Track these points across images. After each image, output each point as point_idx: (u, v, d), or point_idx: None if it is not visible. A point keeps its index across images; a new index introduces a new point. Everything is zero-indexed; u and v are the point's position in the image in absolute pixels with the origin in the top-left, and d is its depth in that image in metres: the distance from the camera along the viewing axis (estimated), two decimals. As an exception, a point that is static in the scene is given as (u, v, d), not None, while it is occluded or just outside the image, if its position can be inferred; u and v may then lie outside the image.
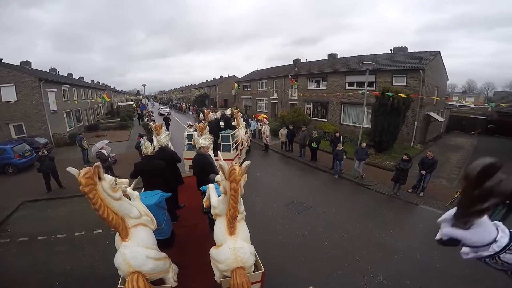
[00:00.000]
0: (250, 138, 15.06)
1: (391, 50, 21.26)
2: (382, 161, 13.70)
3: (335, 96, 20.19)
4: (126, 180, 3.36)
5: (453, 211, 0.87)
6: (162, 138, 6.14)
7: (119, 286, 3.11)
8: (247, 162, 3.04)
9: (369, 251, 6.27)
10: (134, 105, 42.98)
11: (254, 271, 3.23)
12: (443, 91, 23.05)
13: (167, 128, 26.02)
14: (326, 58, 26.67)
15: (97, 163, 2.85)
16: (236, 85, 34.47)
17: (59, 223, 7.82)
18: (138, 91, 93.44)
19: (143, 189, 5.05)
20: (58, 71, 30.21)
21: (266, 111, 30.43)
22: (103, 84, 54.65)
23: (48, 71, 27.79)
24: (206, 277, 3.41)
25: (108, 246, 6.53)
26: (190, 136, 10.50)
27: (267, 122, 14.88)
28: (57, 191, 10.04)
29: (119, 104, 47.51)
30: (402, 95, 11.53)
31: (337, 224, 7.58)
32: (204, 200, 3.94)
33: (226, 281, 3.03)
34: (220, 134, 10.92)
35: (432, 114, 19.21)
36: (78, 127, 24.92)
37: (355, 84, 19.80)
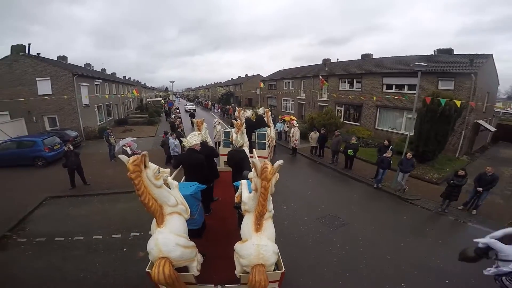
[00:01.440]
0: (274, 140, 14.22)
1: (434, 51, 19.32)
2: (425, 173, 12.24)
3: (370, 98, 18.67)
4: (168, 170, 3.46)
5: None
6: (203, 133, 6.41)
7: (146, 269, 3.21)
8: (280, 162, 2.95)
9: (416, 276, 5.53)
10: (162, 101, 43.79)
11: (274, 270, 3.22)
12: (493, 98, 20.65)
13: (192, 125, 26.17)
14: (359, 58, 25.16)
15: (144, 152, 2.98)
16: (262, 84, 33.76)
17: (78, 224, 7.59)
18: (166, 87, 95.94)
19: (182, 180, 5.26)
20: (92, 66, 31.40)
21: (292, 111, 29.38)
22: (134, 80, 56.49)
23: (83, 66, 28.93)
24: (227, 270, 3.47)
25: (125, 254, 6.21)
26: (227, 133, 10.29)
27: (297, 125, 13.80)
28: (80, 188, 9.94)
29: (148, 100, 48.80)
30: (457, 102, 10.02)
31: (378, 243, 6.71)
32: (236, 195, 4.02)
33: (245, 276, 3.05)
34: (256, 132, 10.59)
35: (481, 122, 17.10)
36: (109, 121, 25.57)
37: (393, 86, 18.19)
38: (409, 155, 9.63)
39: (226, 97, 52.49)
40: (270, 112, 14.17)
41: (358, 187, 10.68)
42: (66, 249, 6.39)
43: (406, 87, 17.49)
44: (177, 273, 3.02)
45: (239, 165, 5.30)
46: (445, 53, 18.38)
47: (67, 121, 18.03)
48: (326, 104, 23.59)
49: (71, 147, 9.32)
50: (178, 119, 17.09)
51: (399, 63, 19.15)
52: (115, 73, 40.84)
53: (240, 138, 6.02)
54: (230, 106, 34.76)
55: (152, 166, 3.07)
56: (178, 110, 29.00)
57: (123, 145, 10.12)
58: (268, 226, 3.20)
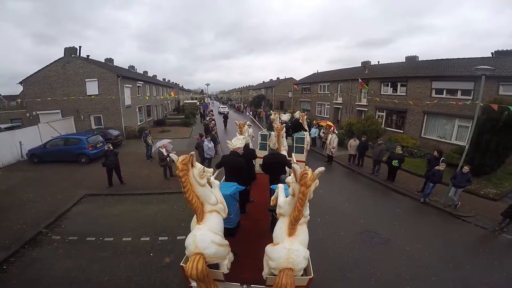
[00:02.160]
0: (309, 145, 13.56)
1: (492, 53, 17.12)
2: (480, 187, 10.72)
3: (419, 103, 17.04)
4: (211, 170, 3.70)
5: None
6: (246, 136, 6.70)
7: (181, 263, 3.34)
8: (321, 169, 2.93)
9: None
10: (198, 103, 45.10)
11: (302, 275, 3.17)
12: None
13: (225, 126, 26.83)
14: (403, 60, 23.43)
15: (192, 152, 3.19)
16: (296, 87, 33.04)
17: (110, 224, 7.71)
18: (202, 90, 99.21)
19: (223, 179, 5.49)
20: (136, 69, 33.25)
21: (327, 116, 28.17)
22: (173, 82, 59.12)
23: (127, 68, 30.81)
24: (255, 271, 3.49)
25: (151, 259, 6.09)
26: (264, 136, 10.08)
27: (336, 132, 12.92)
28: (117, 187, 10.26)
29: (185, 101, 50.65)
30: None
31: (424, 263, 6.01)
32: (271, 198, 3.99)
33: (271, 278, 3.07)
34: (294, 136, 10.30)
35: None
36: (148, 121, 26.80)
37: (444, 91, 16.39)
38: (466, 168, 8.45)
39: (258, 100, 52.53)
40: (305, 116, 13.73)
41: (402, 201, 9.67)
42: (95, 249, 6.43)
43: (459, 92, 15.68)
44: (209, 269, 3.09)
45: (276, 168, 5.34)
46: (504, 55, 16.20)
47: (110, 120, 19.14)
48: (366, 109, 22.16)
49: (111, 147, 9.65)
50: (212, 122, 17.18)
51: (450, 66, 17.33)
52: (155, 76, 43.01)
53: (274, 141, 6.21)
54: (261, 109, 34.56)
55: (198, 166, 3.26)
56: (212, 113, 29.45)
57: (159, 147, 10.24)
58: (302, 231, 3.17)
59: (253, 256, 3.88)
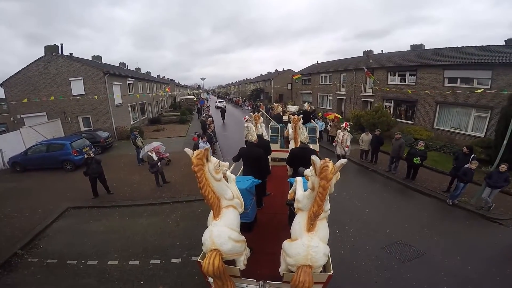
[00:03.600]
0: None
1: (505, 41, 15.85)
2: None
3: (432, 92, 15.82)
4: (227, 164, 3.56)
5: None
6: (259, 127, 6.56)
7: (198, 259, 3.29)
8: (343, 161, 2.74)
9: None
10: (195, 99, 43.71)
11: (321, 272, 3.04)
12: None
13: (223, 120, 26.43)
14: (406, 50, 22.19)
15: (207, 146, 4.20)
16: (299, 75, 31.75)
17: (94, 243, 6.75)
18: (199, 85, 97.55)
19: (239, 173, 5.49)
20: (127, 66, 31.76)
21: (331, 108, 26.93)
22: (168, 78, 57.56)
23: (117, 65, 29.34)
24: (272, 266, 3.37)
25: None
26: (274, 129, 9.43)
27: (348, 128, 11.26)
28: (103, 197, 9.15)
29: (181, 98, 49.26)
30: None
31: (467, 279, 5.17)
32: (289, 192, 3.89)
33: (288, 275, 2.97)
34: (306, 126, 9.44)
35: None
36: (142, 119, 25.55)
37: (458, 80, 15.14)
38: (503, 167, 7.36)
39: (256, 94, 51.12)
40: (311, 107, 12.69)
41: (427, 203, 8.55)
42: (77, 275, 5.59)
43: (475, 81, 14.47)
44: (225, 265, 3.01)
45: (304, 163, 4.81)
46: None
47: (100, 121, 17.87)
48: (372, 100, 20.92)
49: (92, 155, 8.42)
50: (209, 118, 15.91)
51: (462, 54, 16.06)
52: (149, 72, 41.53)
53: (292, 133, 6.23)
54: (261, 103, 33.28)
55: (214, 160, 3.17)
56: (209, 108, 28.17)
57: (148, 151, 9.06)
58: (322, 226, 3.01)
59: (270, 252, 3.71)
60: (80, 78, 17.15)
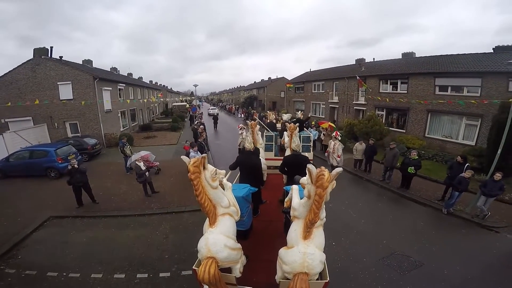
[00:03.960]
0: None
1: (493, 49, 16.29)
2: (505, 192, 9.65)
3: (418, 102, 16.06)
4: (224, 172, 3.54)
5: None
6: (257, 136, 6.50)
7: (193, 267, 3.27)
8: (339, 169, 2.77)
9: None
10: (188, 105, 43.38)
11: (317, 280, 3.03)
12: None
13: (215, 127, 26.53)
14: (396, 58, 22.64)
15: (203, 154, 3.25)
16: (290, 84, 31.95)
17: (77, 255, 6.38)
18: (192, 92, 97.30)
19: (235, 180, 5.49)
20: (118, 71, 31.29)
21: (323, 116, 27.02)
22: (160, 84, 57.10)
23: (109, 70, 28.87)
24: (268, 274, 3.39)
25: None
26: (269, 137, 9.46)
27: (340, 138, 11.13)
28: (88, 206, 8.71)
29: (173, 104, 48.80)
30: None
31: None
32: (285, 200, 3.88)
33: (284, 283, 2.97)
34: (300, 135, 9.47)
35: None
36: (133, 126, 25.02)
37: (449, 88, 15.39)
38: (498, 175, 7.45)
39: (249, 101, 51.12)
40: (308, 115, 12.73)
41: (422, 211, 8.53)
42: None
43: (465, 89, 14.74)
44: (221, 273, 2.99)
45: (297, 169, 4.91)
46: (505, 50, 15.40)
47: (88, 127, 17.31)
48: (364, 108, 21.06)
49: (76, 165, 7.93)
50: (201, 126, 15.60)
51: (452, 62, 16.38)
52: (141, 78, 41.07)
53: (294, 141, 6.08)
54: (255, 111, 33.22)
55: (210, 168, 3.17)
56: (201, 115, 27.81)
57: (136, 160, 8.69)
58: (318, 234, 3.03)
59: (266, 259, 3.75)
60: (68, 82, 16.64)
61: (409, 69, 18.03)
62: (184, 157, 3.10)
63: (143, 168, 8.51)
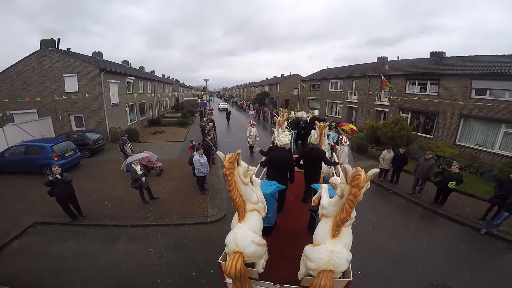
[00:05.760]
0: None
1: None
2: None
3: (451, 105, 14.41)
4: (254, 168, 3.60)
5: None
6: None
7: (219, 260, 3.31)
8: (376, 170, 2.66)
9: None
10: (199, 100, 42.66)
11: (340, 278, 3.00)
12: None
13: (228, 122, 26.24)
14: (427, 57, 20.59)
15: (238, 151, 3.15)
16: (303, 83, 30.57)
17: (56, 270, 5.57)
18: (204, 87, 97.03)
19: (261, 176, 5.44)
20: (130, 64, 30.70)
21: (340, 116, 25.47)
22: (173, 79, 56.62)
23: (120, 63, 28.29)
24: (289, 270, 3.43)
25: None
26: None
27: (347, 142, 9.57)
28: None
29: (185, 99, 48.14)
30: None
31: None
32: (313, 198, 3.98)
33: (307, 279, 2.99)
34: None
35: None
36: (141, 120, 24.35)
37: (487, 92, 13.64)
38: None
39: (261, 98, 49.79)
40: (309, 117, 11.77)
41: (461, 233, 7.32)
42: None
43: (507, 94, 12.97)
44: (246, 268, 3.01)
45: (314, 163, 5.28)
46: None
47: (93, 121, 16.61)
48: (386, 110, 19.42)
49: (59, 176, 6.71)
50: (209, 124, 14.49)
51: (491, 63, 14.49)
52: (153, 71, 40.50)
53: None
54: (266, 108, 31.92)
55: (243, 164, 3.22)
56: (211, 111, 26.71)
57: (132, 162, 7.67)
58: (347, 233, 2.98)
59: (287, 256, 3.78)
60: (74, 74, 15.92)
61: (441, 69, 16.26)
62: (219, 153, 3.12)
63: (139, 172, 7.48)
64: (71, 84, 15.94)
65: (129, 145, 10.93)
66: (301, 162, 5.78)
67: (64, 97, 14.96)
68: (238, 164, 3.15)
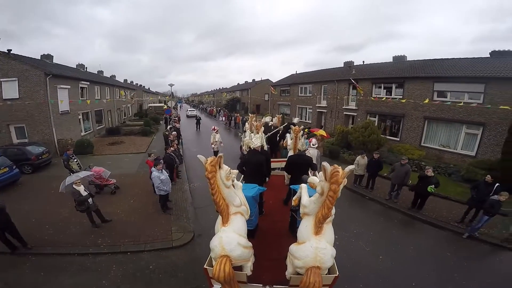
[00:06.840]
0: None
1: (490, 53, 15.52)
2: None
3: (415, 108, 14.89)
4: (236, 171, 3.62)
5: None
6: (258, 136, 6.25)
7: (205, 266, 3.26)
8: (351, 167, 2.78)
9: None
10: (165, 106, 40.57)
11: (326, 274, 3.04)
12: None
13: (198, 128, 25.61)
14: (390, 61, 21.57)
15: (220, 154, 3.11)
16: (273, 89, 30.40)
17: None
18: (172, 93, 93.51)
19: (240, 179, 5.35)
20: (86, 68, 28.09)
21: (310, 121, 25.53)
22: (137, 84, 53.53)
23: (74, 67, 25.70)
24: (276, 271, 3.47)
25: None
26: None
27: (316, 144, 8.88)
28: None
29: (149, 105, 45.55)
30: None
31: None
32: (293, 198, 4.09)
33: (296, 278, 3.02)
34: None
35: None
36: (98, 129, 22.14)
37: (448, 94, 14.31)
38: None
39: (232, 104, 48.96)
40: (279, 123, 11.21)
41: (443, 237, 7.19)
42: None
43: (466, 96, 13.66)
44: (234, 271, 3.00)
45: (301, 169, 5.37)
46: (501, 55, 14.60)
47: (37, 131, 14.44)
48: (354, 114, 19.72)
49: None
50: (173, 133, 13.24)
51: (450, 66, 15.32)
52: (114, 76, 37.71)
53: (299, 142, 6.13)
54: (238, 114, 31.13)
55: (225, 167, 3.21)
56: (177, 119, 25.08)
57: (72, 182, 6.36)
58: (329, 230, 3.04)
59: (272, 257, 3.82)
60: (14, 79, 13.77)
61: (406, 72, 16.83)
62: (200, 156, 3.03)
63: (84, 193, 6.21)
64: (10, 89, 13.73)
65: (75, 160, 9.36)
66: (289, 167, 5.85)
67: (9, 103, 12.77)
68: (220, 167, 3.11)
